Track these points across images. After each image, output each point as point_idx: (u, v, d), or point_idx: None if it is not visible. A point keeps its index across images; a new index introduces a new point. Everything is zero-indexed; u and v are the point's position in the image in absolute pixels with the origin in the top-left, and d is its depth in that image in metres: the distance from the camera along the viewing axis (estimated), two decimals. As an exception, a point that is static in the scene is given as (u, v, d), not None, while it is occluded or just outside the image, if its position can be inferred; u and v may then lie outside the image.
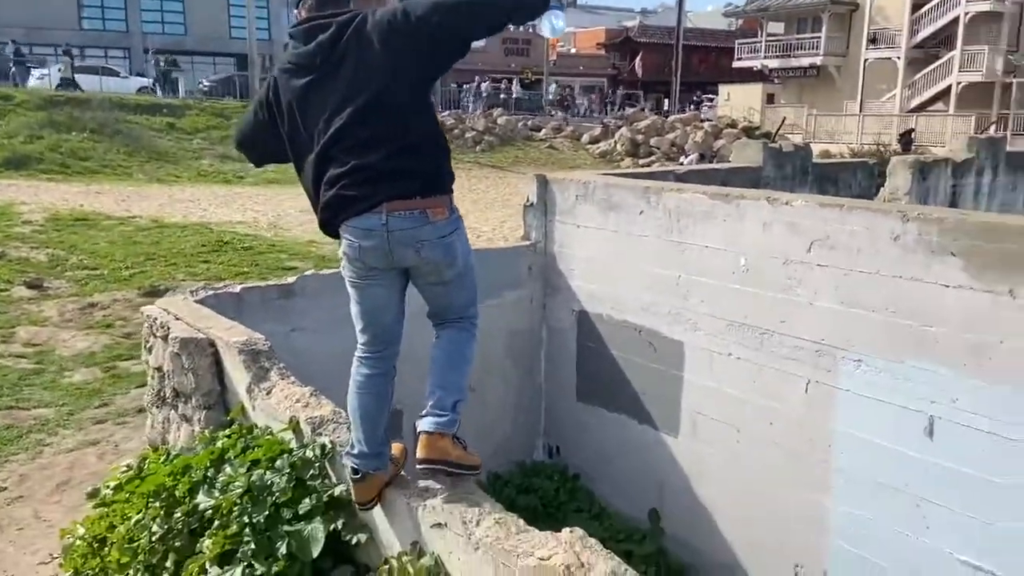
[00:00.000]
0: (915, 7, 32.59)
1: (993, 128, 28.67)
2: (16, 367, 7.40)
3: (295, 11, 2.77)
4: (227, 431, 3.61)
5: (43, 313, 9.00)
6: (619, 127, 34.31)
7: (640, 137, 32.78)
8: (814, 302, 4.11)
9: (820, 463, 4.18)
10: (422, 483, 2.84)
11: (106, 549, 3.62)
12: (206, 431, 3.69)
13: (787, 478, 4.35)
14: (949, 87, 31.65)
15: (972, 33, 30.93)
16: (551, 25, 2.69)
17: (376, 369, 2.81)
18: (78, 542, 3.86)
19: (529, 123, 35.32)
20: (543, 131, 34.63)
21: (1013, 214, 7.65)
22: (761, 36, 39.97)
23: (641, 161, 30.89)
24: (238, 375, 3.67)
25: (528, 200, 5.86)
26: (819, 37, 36.60)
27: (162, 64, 32.93)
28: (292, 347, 4.46)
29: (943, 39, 32.37)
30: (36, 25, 38.08)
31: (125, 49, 40.97)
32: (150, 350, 4.19)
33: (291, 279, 4.82)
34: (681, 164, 28.40)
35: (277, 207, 17.21)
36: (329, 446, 3.10)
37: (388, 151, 2.59)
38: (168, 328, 3.94)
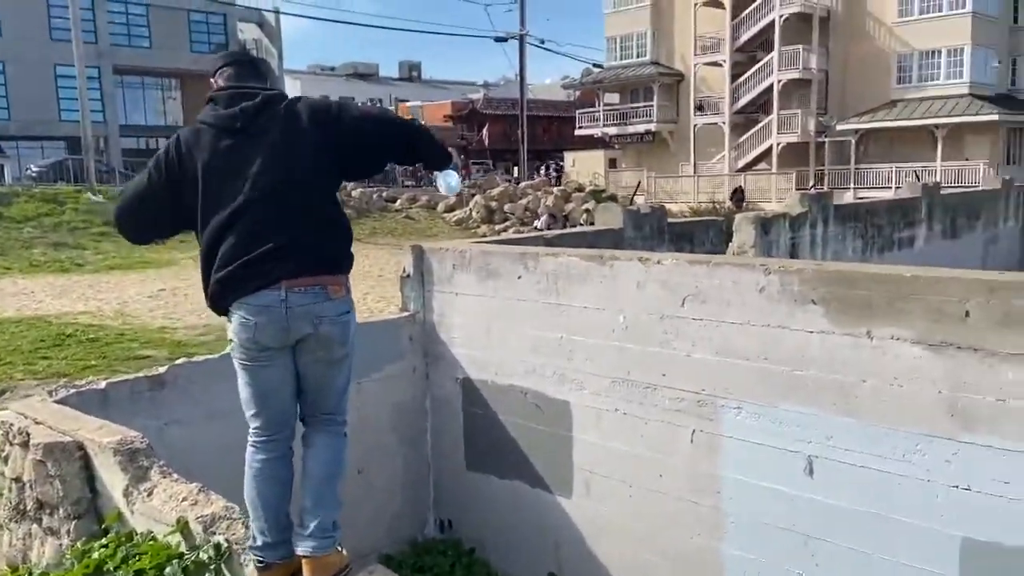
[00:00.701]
0: (734, 76, 35.64)
1: (814, 183, 31.50)
2: None
3: (212, 79, 2.84)
4: (103, 541, 3.30)
5: None
6: (473, 195, 35.00)
7: (494, 204, 33.57)
8: (691, 354, 4.32)
9: (711, 509, 4.33)
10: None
11: None
12: (77, 543, 3.36)
13: (680, 527, 4.47)
14: (770, 148, 34.58)
15: (785, 98, 34.11)
16: (446, 183, 3.12)
17: (273, 453, 2.73)
18: None
19: (384, 194, 35.39)
20: (398, 201, 34.77)
21: (846, 261, 8.40)
22: (599, 106, 42.29)
23: (497, 227, 31.55)
24: (113, 478, 3.39)
25: (404, 271, 5.85)
26: (651, 106, 39.16)
27: None
28: (168, 443, 4.18)
29: (761, 104, 35.48)
30: None
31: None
32: (6, 460, 3.80)
33: (161, 369, 4.54)
34: (536, 227, 29.25)
35: (122, 294, 16.18)
36: (225, 545, 2.90)
37: (298, 228, 2.62)
38: (28, 434, 3.59)
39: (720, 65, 36.23)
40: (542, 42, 54.52)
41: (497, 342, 5.35)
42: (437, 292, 5.71)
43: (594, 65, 43.37)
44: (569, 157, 43.57)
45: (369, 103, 57.53)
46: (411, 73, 74.85)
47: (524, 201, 33.76)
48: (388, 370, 5.72)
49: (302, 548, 2.65)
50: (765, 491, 4.07)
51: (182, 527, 3.05)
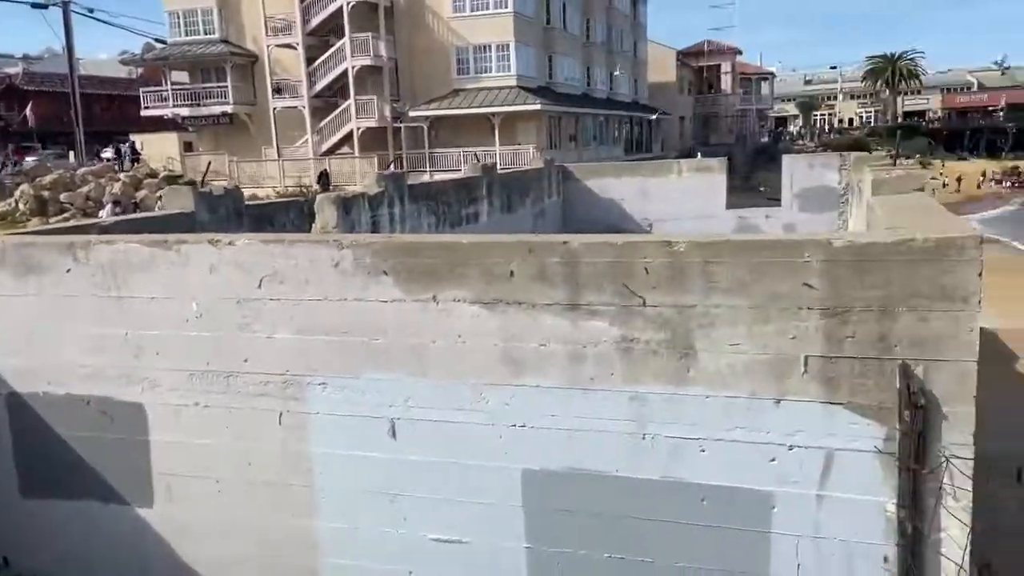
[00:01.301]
0: (309, 60, 35.61)
1: (392, 166, 33.04)
2: None
3: None
4: None
5: None
6: (18, 184, 30.05)
7: (47, 193, 29.23)
8: (273, 335, 4.23)
9: (303, 488, 4.32)
10: None
11: None
12: None
13: (274, 511, 4.39)
14: (351, 132, 35.39)
15: (361, 84, 35.11)
16: None
17: None
18: None
19: None
20: (-92, 195, 28.43)
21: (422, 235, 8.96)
22: (166, 85, 39.14)
23: (53, 220, 27.53)
24: None
25: (-89, 274, 4.77)
26: (226, 87, 37.37)
27: None
28: None
29: (339, 89, 36.05)
30: None
31: None
32: None
33: None
34: (100, 218, 26.18)
35: None
36: None
37: None
38: None
39: (294, 48, 35.91)
40: (91, 11, 48.53)
41: (46, 347, 4.66)
42: (-39, 295, 4.77)
43: (157, 40, 39.88)
44: (136, 140, 39.68)
45: None
46: (-82, 37, 61.24)
47: (85, 189, 29.94)
48: (-101, 395, 4.65)
49: None
50: (354, 460, 4.18)
51: None
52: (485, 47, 35.14)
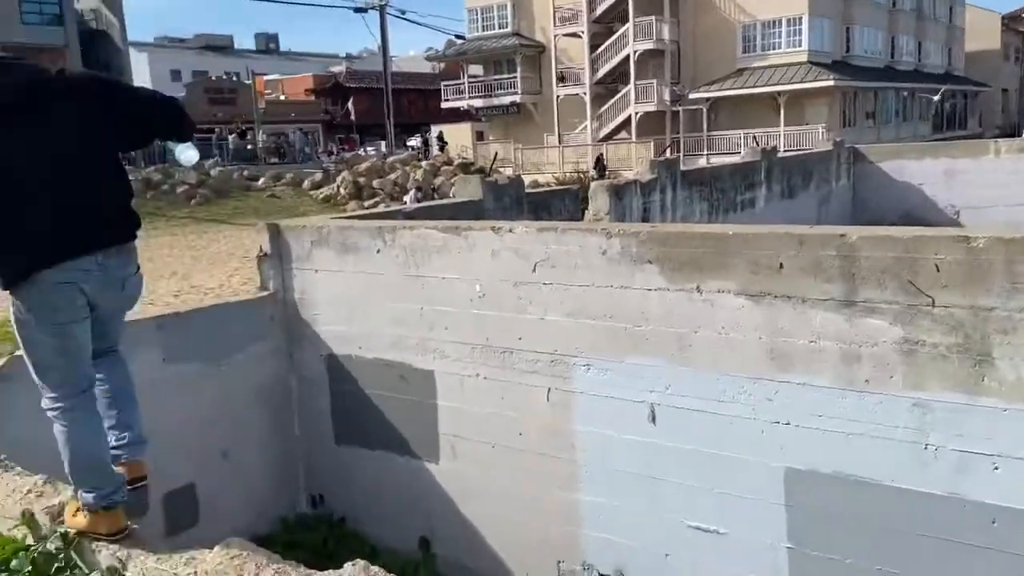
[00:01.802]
0: (593, 48, 36.47)
1: (668, 151, 32.85)
2: None
3: None
4: (-59, 545, 3.16)
5: None
6: (340, 171, 34.32)
7: (362, 180, 33.05)
8: (545, 317, 4.53)
9: (568, 462, 4.59)
10: (188, 552, 2.73)
11: None
12: (-89, 549, 3.20)
13: (541, 481, 4.71)
14: (629, 117, 35.75)
15: (642, 69, 35.28)
16: (187, 156, 3.30)
17: (91, 409, 2.87)
18: None
19: (245, 172, 34.13)
20: (261, 180, 33.62)
21: (693, 223, 8.91)
22: (463, 78, 42.26)
23: (366, 203, 31.12)
24: (-52, 477, 3.24)
25: (261, 250, 5.77)
26: (515, 77, 39.53)
27: None
28: (12, 436, 4.00)
29: (619, 75, 36.54)
30: None
31: None
32: None
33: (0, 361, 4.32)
34: (404, 203, 29.08)
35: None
36: (73, 533, 2.86)
37: (107, 197, 2.86)
38: None
39: (579, 36, 36.95)
40: (403, 13, 53.72)
41: (360, 317, 5.40)
42: (297, 270, 5.68)
43: (457, 36, 43.19)
44: (436, 130, 43.37)
45: (225, 77, 55.06)
46: (268, 45, 72.00)
47: (393, 176, 33.40)
48: (251, 351, 5.65)
49: (134, 454, 2.97)
50: (614, 440, 4.36)
51: (27, 520, 2.97)
52: (774, 22, 33.45)
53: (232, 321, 5.60)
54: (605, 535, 4.53)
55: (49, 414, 2.85)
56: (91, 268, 2.75)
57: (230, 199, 31.46)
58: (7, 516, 3.04)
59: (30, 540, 2.92)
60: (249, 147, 40.11)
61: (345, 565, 2.44)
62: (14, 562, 2.84)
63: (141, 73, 51.20)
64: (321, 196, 32.80)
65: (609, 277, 4.24)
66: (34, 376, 2.87)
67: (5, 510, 3.05)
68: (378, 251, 5.20)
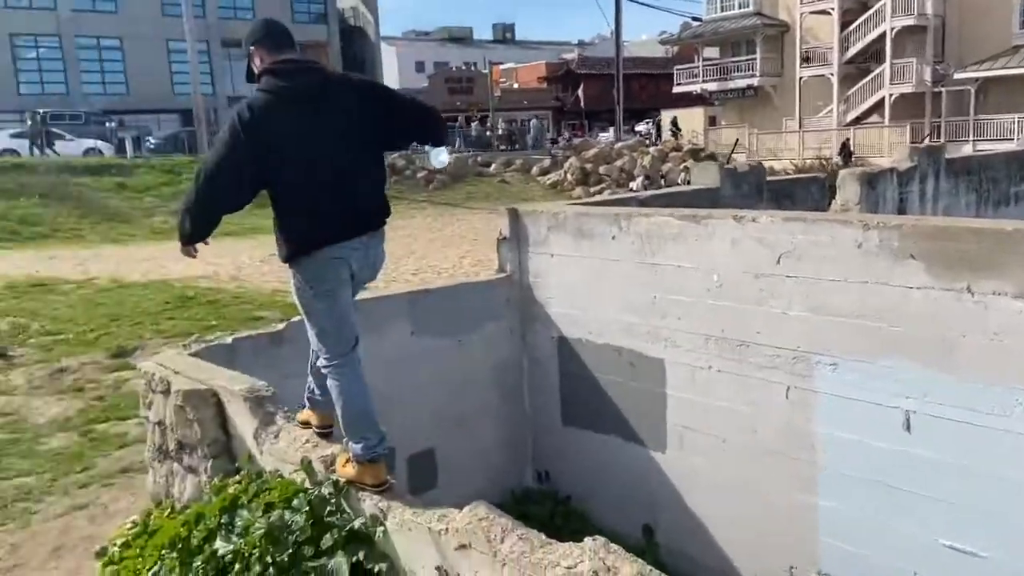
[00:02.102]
0: (844, 25, 33.95)
1: (929, 137, 29.89)
2: (-10, 438, 7.27)
3: (253, 49, 3.22)
4: (236, 478, 3.67)
5: (11, 382, 8.84)
6: (567, 157, 34.89)
7: (589, 166, 33.37)
8: (787, 311, 4.34)
9: (806, 464, 4.38)
10: (439, 510, 2.96)
11: (120, 606, 3.65)
12: (214, 480, 3.75)
13: (775, 481, 4.54)
14: (882, 99, 32.91)
15: (899, 47, 32.30)
16: (438, 159, 3.59)
17: (357, 366, 3.24)
18: (89, 603, 3.86)
19: (479, 159, 35.75)
20: (493, 166, 35.05)
21: (958, 217, 8.08)
22: (698, 61, 41.15)
23: (592, 189, 31.41)
24: (244, 423, 3.75)
25: (501, 233, 6.04)
26: (754, 59, 37.82)
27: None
28: (285, 393, 4.53)
29: (872, 54, 33.73)
30: (-29, 92, 37.49)
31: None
32: (149, 406, 4.24)
33: (280, 326, 4.90)
34: (631, 189, 28.98)
35: (235, 259, 17.10)
36: (342, 481, 3.20)
37: (374, 188, 3.26)
38: (168, 383, 4.00)
39: (828, 13, 34.55)
40: (638, -4, 53.30)
41: (592, 302, 5.49)
42: (533, 253, 5.88)
43: (693, 19, 42.12)
44: (666, 116, 42.68)
45: (464, 67, 57.86)
46: (505, 35, 74.55)
47: (620, 163, 33.40)
48: (487, 330, 5.96)
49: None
50: (860, 446, 4.09)
51: (305, 466, 3.37)
52: (1063, -10, 29.18)
53: (472, 300, 5.93)
54: (844, 545, 4.28)
55: (324, 371, 3.24)
56: (358, 247, 3.15)
57: (464, 184, 33.12)
58: (289, 462, 3.47)
59: (307, 484, 3.32)
60: (488, 133, 41.96)
61: (586, 539, 2.52)
62: (295, 501, 3.24)
63: (389, 66, 55.17)
64: (548, 182, 33.57)
65: (864, 272, 3.97)
66: (312, 339, 3.27)
67: (288, 456, 3.47)
68: (613, 237, 5.25)
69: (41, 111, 31.55)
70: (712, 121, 40.70)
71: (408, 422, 5.52)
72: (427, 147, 3.54)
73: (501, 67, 53.92)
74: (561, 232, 5.62)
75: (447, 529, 2.80)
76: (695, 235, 4.74)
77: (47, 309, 11.92)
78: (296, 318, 5.21)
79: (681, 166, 31.74)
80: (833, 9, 34.12)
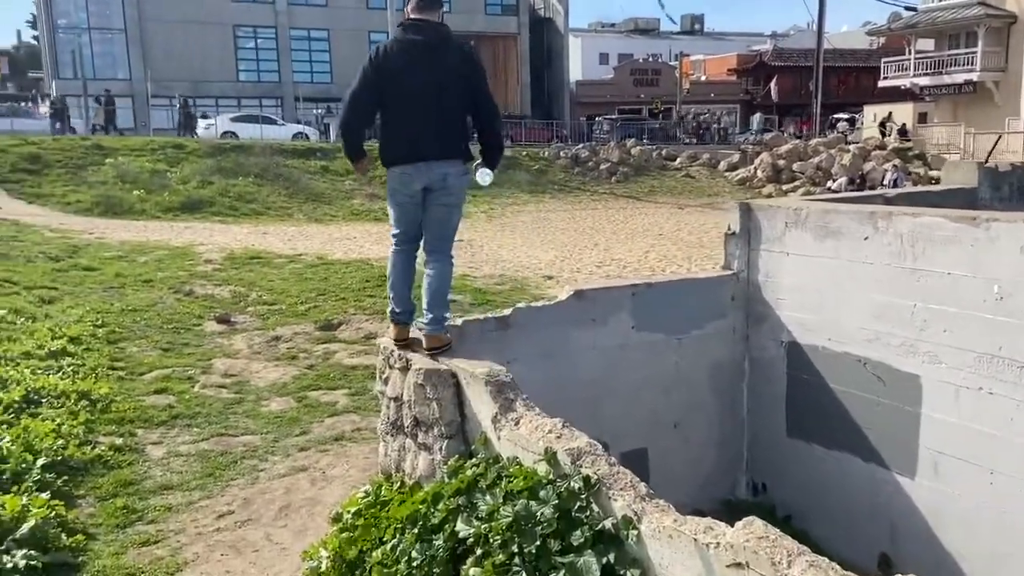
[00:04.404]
0: (1086, 14, 30.22)
1: None
2: (219, 396, 7.83)
3: (406, 8, 4.14)
4: (473, 461, 3.63)
5: (234, 346, 9.53)
6: (758, 153, 33.43)
7: (782, 162, 31.81)
8: (1090, 332, 3.74)
9: (1102, 511, 3.77)
10: (702, 521, 2.74)
11: (357, 573, 3.71)
12: (450, 460, 3.73)
13: (1057, 526, 3.95)
14: None
15: None
16: (484, 180, 4.28)
17: (403, 257, 4.39)
18: (324, 564, 3.98)
19: (663, 152, 35.00)
20: (678, 160, 34.21)
21: None
22: (909, 54, 38.08)
23: (784, 187, 29.92)
24: (482, 406, 3.70)
25: (730, 229, 5.70)
26: (975, 52, 34.49)
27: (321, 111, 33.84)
28: (514, 376, 4.47)
29: None
30: (199, 79, 41.32)
31: (278, 98, 43.70)
32: (386, 381, 4.31)
33: (507, 311, 4.86)
34: (829, 188, 27.29)
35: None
36: (595, 478, 3.05)
37: (441, 130, 4.09)
38: (408, 360, 4.03)
39: (1067, 1, 30.87)
40: (844, -15, 50.01)
41: (832, 306, 5.05)
42: (764, 251, 5.51)
43: (906, 8, 38.98)
44: (869, 111, 39.87)
45: (650, 59, 56.90)
46: (693, 26, 72.53)
47: (816, 160, 31.56)
48: (708, 328, 5.65)
49: (423, 329, 4.24)
50: None
51: (550, 457, 3.25)
52: None
53: (693, 297, 5.64)
54: None
55: (389, 250, 4.44)
56: (422, 169, 4.11)
57: (648, 177, 32.57)
58: (530, 450, 3.37)
59: (552, 476, 3.20)
60: (675, 126, 41.06)
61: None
62: (541, 492, 3.13)
63: (574, 57, 55.18)
64: (736, 178, 32.34)
65: None
66: (391, 222, 4.38)
67: (529, 445, 3.37)
68: (866, 238, 4.78)
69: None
70: (922, 118, 37.55)
71: (623, 419, 5.34)
72: (479, 165, 4.26)
73: (690, 59, 52.42)
74: (801, 229, 5.21)
75: (718, 544, 2.58)
76: (972, 239, 4.20)
77: (263, 281, 12.82)
78: (521, 304, 5.17)
79: (883, 166, 29.48)
80: (1076, -4, 30.43)
